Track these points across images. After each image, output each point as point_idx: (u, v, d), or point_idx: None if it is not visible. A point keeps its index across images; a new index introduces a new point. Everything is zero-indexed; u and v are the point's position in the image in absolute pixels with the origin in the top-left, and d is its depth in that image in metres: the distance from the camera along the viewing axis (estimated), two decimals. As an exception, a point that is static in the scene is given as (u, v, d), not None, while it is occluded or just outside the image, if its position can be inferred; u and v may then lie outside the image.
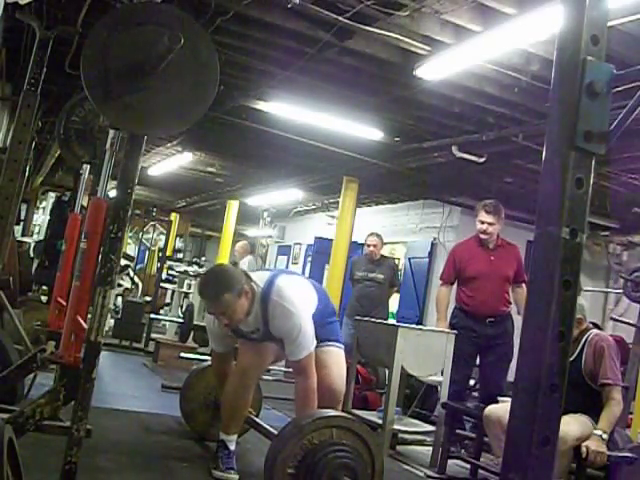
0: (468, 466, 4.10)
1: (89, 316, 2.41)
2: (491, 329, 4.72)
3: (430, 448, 4.49)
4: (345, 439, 2.68)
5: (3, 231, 3.69)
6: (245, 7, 4.36)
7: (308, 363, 3.09)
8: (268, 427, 3.27)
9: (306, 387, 3.09)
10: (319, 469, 2.59)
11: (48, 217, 10.09)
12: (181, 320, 8.65)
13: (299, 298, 3.15)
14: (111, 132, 2.98)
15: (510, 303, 4.84)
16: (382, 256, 7.28)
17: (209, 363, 3.99)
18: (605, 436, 3.20)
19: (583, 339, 3.48)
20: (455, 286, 4.99)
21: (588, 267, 9.45)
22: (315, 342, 3.12)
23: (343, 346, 3.48)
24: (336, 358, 3.38)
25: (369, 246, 7.03)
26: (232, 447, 3.18)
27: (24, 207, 12.70)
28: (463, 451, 4.50)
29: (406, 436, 4.77)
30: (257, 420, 3.53)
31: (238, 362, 3.37)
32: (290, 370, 7.27)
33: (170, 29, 2.20)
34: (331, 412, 2.86)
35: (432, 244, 9.80)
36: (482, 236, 4.83)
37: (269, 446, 2.80)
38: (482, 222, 4.82)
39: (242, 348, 3.37)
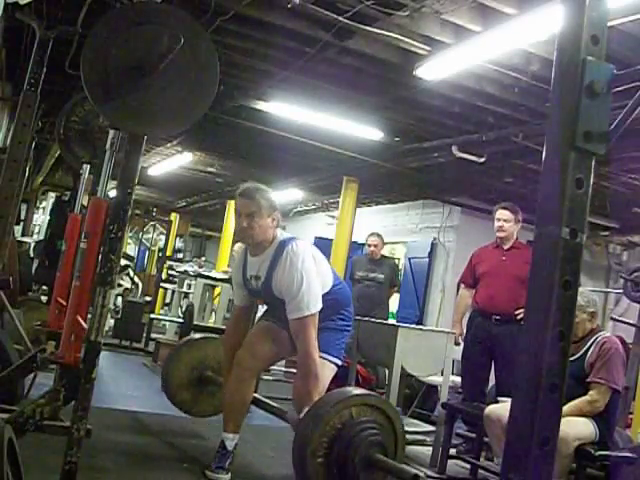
0: (468, 466, 4.10)
1: (89, 316, 2.42)
2: (497, 328, 4.70)
3: (430, 448, 4.49)
4: (364, 415, 2.66)
5: (3, 231, 3.69)
6: (245, 7, 4.36)
7: (308, 325, 2.99)
8: (277, 405, 3.25)
9: (305, 351, 2.99)
10: (350, 454, 2.55)
11: (48, 217, 10.10)
12: (181, 320, 8.66)
13: (311, 262, 3.10)
14: (111, 132, 2.98)
15: (521, 307, 4.77)
16: (382, 256, 7.29)
17: (192, 337, 4.02)
18: None
19: (592, 339, 3.47)
20: None
21: (588, 267, 9.46)
22: (320, 306, 3.03)
23: (330, 358, 3.19)
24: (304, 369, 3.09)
25: (370, 246, 7.04)
26: (230, 447, 3.13)
27: (24, 207, 12.69)
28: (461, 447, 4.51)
29: (406, 436, 4.77)
30: (265, 400, 3.49)
31: (235, 356, 3.33)
32: (290, 370, 7.28)
33: (170, 29, 2.20)
34: (344, 393, 2.81)
35: (432, 244, 9.80)
36: (498, 234, 4.85)
37: (293, 442, 2.72)
38: (498, 219, 4.85)
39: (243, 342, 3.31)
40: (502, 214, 4.85)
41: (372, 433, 2.61)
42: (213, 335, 4.39)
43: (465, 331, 4.91)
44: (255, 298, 3.42)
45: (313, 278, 3.04)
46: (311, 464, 2.55)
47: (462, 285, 5.14)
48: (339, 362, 3.21)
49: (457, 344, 4.83)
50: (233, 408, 3.20)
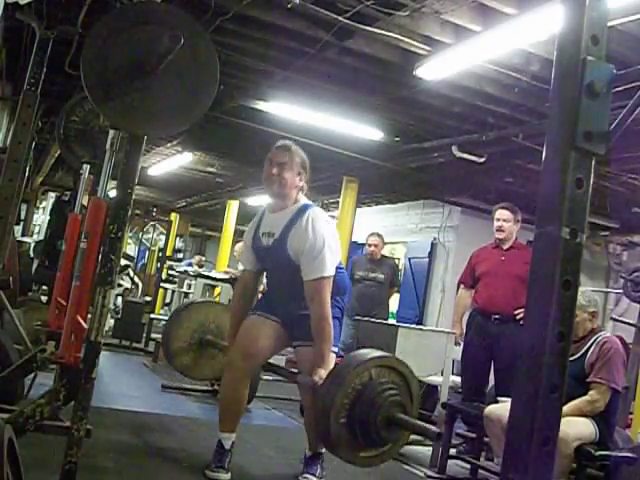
0: (468, 466, 4.10)
1: (89, 316, 2.42)
2: (497, 328, 4.70)
3: (430, 448, 4.49)
4: (383, 376, 2.69)
5: (3, 231, 3.69)
6: (245, 7, 4.36)
7: (324, 287, 2.98)
8: (288, 368, 3.27)
9: (320, 315, 2.97)
10: (372, 414, 2.58)
11: (48, 217, 10.09)
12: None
13: (331, 228, 3.13)
14: (111, 132, 2.98)
15: (521, 307, 4.78)
16: (383, 256, 7.29)
17: (192, 300, 4.02)
18: None
19: (593, 339, 3.47)
20: None
21: (588, 267, 9.46)
22: (334, 271, 3.04)
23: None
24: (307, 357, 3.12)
25: (370, 246, 7.04)
26: (227, 446, 3.12)
27: (24, 207, 12.70)
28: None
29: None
30: (276, 364, 3.48)
31: (227, 357, 3.30)
32: (290, 370, 7.28)
33: (170, 29, 2.20)
34: (363, 355, 2.83)
35: (432, 244, 9.80)
36: (497, 234, 4.86)
37: (315, 403, 2.77)
38: (498, 219, 4.86)
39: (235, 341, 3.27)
40: (501, 214, 4.87)
41: (392, 394, 2.65)
42: (213, 299, 4.43)
43: (465, 331, 4.92)
44: (259, 263, 3.34)
45: (332, 242, 3.06)
46: (334, 426, 2.58)
47: (461, 285, 5.15)
48: (336, 350, 3.21)
49: (457, 344, 4.84)
50: (228, 408, 3.18)
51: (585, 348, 3.45)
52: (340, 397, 2.58)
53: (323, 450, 3.22)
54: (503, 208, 4.89)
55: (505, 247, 4.87)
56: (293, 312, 3.15)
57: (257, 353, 3.18)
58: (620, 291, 7.26)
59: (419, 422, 2.68)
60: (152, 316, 8.64)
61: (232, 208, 12.92)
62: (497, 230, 4.86)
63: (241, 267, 3.45)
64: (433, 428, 2.60)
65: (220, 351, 3.72)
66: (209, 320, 3.96)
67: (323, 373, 2.82)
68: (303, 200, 3.18)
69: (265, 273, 3.45)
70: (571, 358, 3.29)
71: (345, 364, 2.76)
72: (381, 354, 2.82)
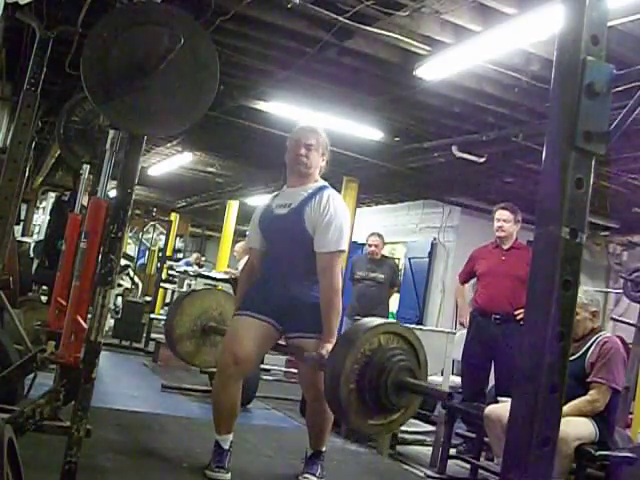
0: (468, 466, 4.10)
1: (89, 316, 2.42)
2: (497, 328, 4.71)
3: (430, 448, 4.49)
4: (392, 342, 2.72)
5: (3, 231, 3.69)
6: (245, 7, 4.36)
7: (336, 261, 3.03)
8: (295, 345, 3.18)
9: (330, 286, 2.98)
10: (382, 379, 2.61)
11: (48, 217, 10.09)
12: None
13: (347, 215, 3.18)
14: (111, 132, 2.97)
15: (521, 307, 4.78)
16: (383, 256, 7.29)
17: (195, 288, 3.98)
18: None
19: (593, 338, 3.47)
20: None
21: (588, 267, 9.45)
22: (346, 248, 3.09)
23: None
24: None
25: (370, 246, 7.04)
26: (226, 446, 3.11)
27: (24, 207, 12.70)
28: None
29: (406, 436, 4.77)
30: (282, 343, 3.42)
31: (218, 362, 3.28)
32: (290, 370, 7.28)
33: (170, 29, 2.20)
34: (371, 322, 2.85)
35: (432, 244, 9.80)
36: (498, 234, 4.89)
37: (326, 369, 2.76)
38: (498, 219, 4.90)
39: (222, 345, 3.26)
40: (501, 214, 4.89)
41: (402, 359, 2.68)
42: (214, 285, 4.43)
43: (466, 331, 4.94)
44: (265, 241, 3.30)
45: (347, 222, 3.13)
46: (344, 391, 2.59)
47: (459, 280, 5.29)
48: None
49: (462, 325, 4.93)
50: (223, 413, 3.15)
51: (585, 348, 3.45)
52: (349, 361, 2.61)
53: (324, 449, 3.22)
54: (503, 208, 4.92)
55: (505, 247, 4.88)
56: (293, 297, 3.09)
57: (247, 358, 3.13)
58: (620, 291, 7.26)
59: (430, 386, 2.75)
60: (152, 316, 8.64)
61: (232, 208, 12.92)
62: (497, 230, 4.88)
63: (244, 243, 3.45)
64: (442, 390, 2.63)
65: (223, 337, 3.69)
66: (212, 307, 3.98)
67: (330, 347, 2.83)
68: (321, 181, 3.26)
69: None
70: (571, 358, 3.29)
71: (354, 330, 2.79)
72: (389, 321, 2.86)
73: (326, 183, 3.24)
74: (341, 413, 2.71)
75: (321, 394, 2.96)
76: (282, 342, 3.24)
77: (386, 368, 2.62)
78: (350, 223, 3.36)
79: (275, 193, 3.41)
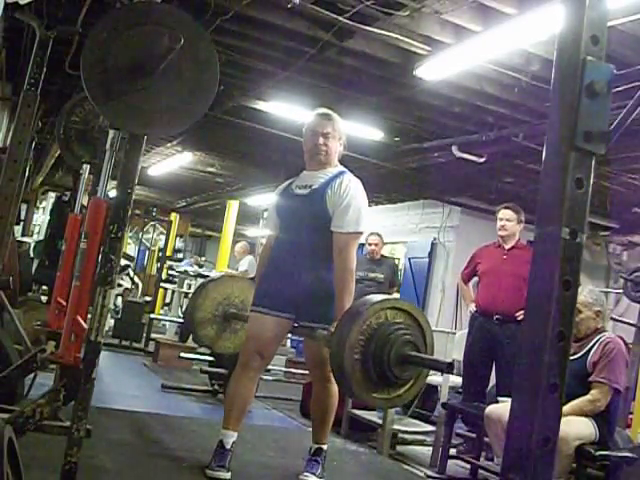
0: (468, 466, 4.10)
1: (89, 316, 2.42)
2: (498, 328, 4.71)
3: (430, 448, 4.49)
4: (398, 318, 2.77)
5: (3, 231, 3.69)
6: (245, 7, 4.36)
7: (354, 242, 3.11)
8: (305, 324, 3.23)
9: (345, 267, 3.07)
10: (386, 351, 2.66)
11: (48, 217, 10.09)
12: (181, 320, 8.66)
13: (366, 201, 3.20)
14: (111, 132, 2.97)
15: (522, 308, 4.76)
16: (382, 256, 7.28)
17: (222, 274, 3.97)
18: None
19: (595, 338, 3.47)
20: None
21: (588, 267, 9.45)
22: (364, 231, 3.14)
23: None
24: None
25: (370, 245, 7.04)
26: (228, 445, 3.11)
27: (24, 207, 12.69)
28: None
29: (406, 436, 4.77)
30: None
31: (244, 355, 3.31)
32: (290, 370, 7.29)
33: (170, 29, 2.20)
34: (378, 296, 2.91)
35: (432, 244, 9.80)
36: (500, 233, 4.91)
37: (332, 337, 2.80)
38: (500, 219, 4.93)
39: (247, 339, 3.28)
40: (504, 214, 4.91)
41: (406, 333, 2.73)
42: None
43: (467, 331, 4.94)
44: (280, 220, 3.32)
45: (366, 206, 3.17)
46: (348, 359, 2.63)
47: (461, 279, 5.31)
48: None
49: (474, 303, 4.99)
50: (237, 405, 3.18)
51: (588, 347, 3.45)
52: (355, 332, 2.66)
53: (325, 447, 3.24)
54: (506, 208, 4.96)
55: (507, 247, 4.89)
56: (306, 287, 3.12)
57: (270, 355, 3.28)
58: (620, 291, 7.26)
59: (430, 357, 2.79)
60: (152, 316, 8.65)
61: (232, 208, 12.91)
62: (500, 229, 4.90)
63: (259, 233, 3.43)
64: (443, 360, 2.67)
65: (244, 322, 3.73)
66: (234, 294, 4.00)
67: None
68: (340, 166, 3.29)
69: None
70: (573, 357, 3.29)
71: (362, 302, 2.83)
72: (396, 297, 2.89)
73: (345, 169, 3.27)
74: (345, 383, 2.74)
75: (325, 375, 3.08)
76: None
77: (390, 340, 2.68)
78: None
79: (291, 179, 3.41)
